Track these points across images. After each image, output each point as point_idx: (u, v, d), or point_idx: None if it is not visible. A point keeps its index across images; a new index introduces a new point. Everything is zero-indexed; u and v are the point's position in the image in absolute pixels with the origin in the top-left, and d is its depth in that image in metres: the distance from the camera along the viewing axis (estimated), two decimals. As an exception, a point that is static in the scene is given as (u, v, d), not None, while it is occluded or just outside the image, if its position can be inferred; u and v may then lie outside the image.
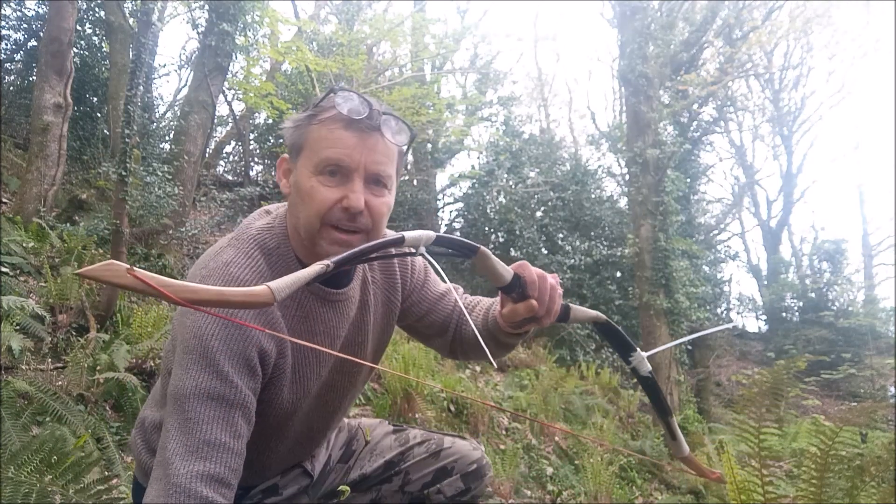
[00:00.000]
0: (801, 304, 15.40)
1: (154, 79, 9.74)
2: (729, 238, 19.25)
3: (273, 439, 1.15)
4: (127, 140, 4.09)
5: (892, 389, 11.07)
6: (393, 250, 0.89)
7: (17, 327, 3.15)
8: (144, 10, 4.60)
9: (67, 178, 6.44)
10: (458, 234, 11.81)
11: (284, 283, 0.72)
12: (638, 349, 1.07)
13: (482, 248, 0.92)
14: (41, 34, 7.10)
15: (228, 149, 11.46)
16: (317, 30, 9.23)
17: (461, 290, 1.31)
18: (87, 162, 7.22)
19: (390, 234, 0.95)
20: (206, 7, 7.52)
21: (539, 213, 11.11)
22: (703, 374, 9.46)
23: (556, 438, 5.18)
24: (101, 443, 2.70)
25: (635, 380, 1.18)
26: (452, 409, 4.58)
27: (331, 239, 0.99)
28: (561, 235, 10.81)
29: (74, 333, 3.58)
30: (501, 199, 10.75)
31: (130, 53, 6.79)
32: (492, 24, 31.06)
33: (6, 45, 7.96)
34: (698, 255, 10.56)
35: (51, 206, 5.44)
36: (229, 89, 9.36)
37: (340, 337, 1.11)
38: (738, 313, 18.63)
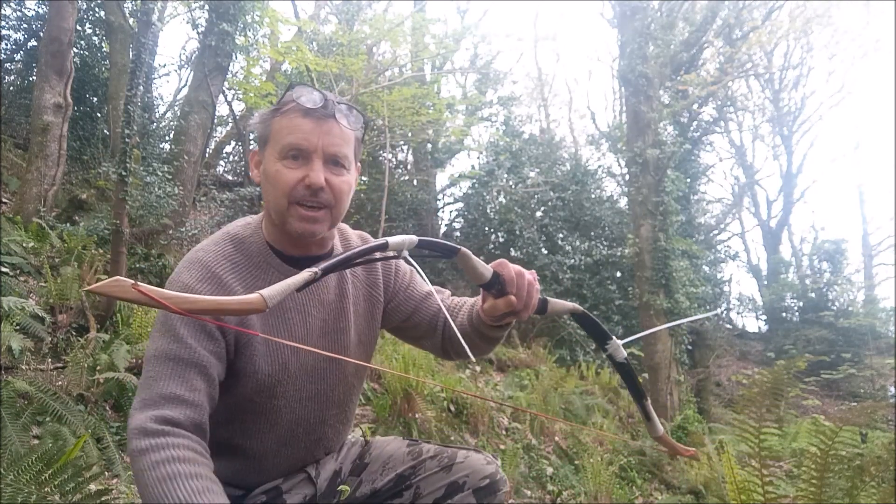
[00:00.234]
0: (801, 304, 15.40)
1: (154, 79, 9.75)
2: (729, 238, 19.26)
3: (263, 421, 1.16)
4: (127, 140, 4.09)
5: (892, 389, 11.08)
6: (378, 255, 0.95)
7: (17, 327, 3.15)
8: (144, 10, 4.60)
9: (67, 178, 6.45)
10: (458, 234, 11.82)
11: (276, 290, 0.77)
12: (614, 337, 1.13)
13: (463, 249, 0.99)
14: (41, 34, 7.10)
15: (228, 149, 11.48)
16: (317, 30, 9.23)
17: (447, 292, 1.35)
18: (87, 162, 7.22)
19: (373, 240, 1.02)
20: (206, 7, 7.52)
21: (539, 213, 11.11)
22: (703, 374, 9.46)
23: (556, 438, 5.18)
24: (101, 443, 2.71)
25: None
26: (452, 409, 4.58)
27: (298, 215, 1.10)
28: (561, 235, 10.81)
29: (74, 333, 3.58)
30: (501, 199, 10.75)
31: (130, 53, 6.80)
32: (492, 24, 31.07)
33: (6, 45, 7.96)
34: (698, 255, 10.56)
35: (51, 206, 5.45)
36: (229, 89, 9.36)
37: (314, 316, 1.18)
38: (738, 313, 18.65)
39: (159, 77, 10.68)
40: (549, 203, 10.84)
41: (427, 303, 1.32)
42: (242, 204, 7.62)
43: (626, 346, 1.16)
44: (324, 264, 0.84)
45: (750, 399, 2.05)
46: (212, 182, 8.85)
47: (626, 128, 8.85)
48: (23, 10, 7.96)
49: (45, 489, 1.58)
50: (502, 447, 4.48)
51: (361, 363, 1.23)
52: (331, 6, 11.69)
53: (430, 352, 1.37)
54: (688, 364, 8.30)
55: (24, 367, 3.05)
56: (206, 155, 8.62)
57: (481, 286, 1.06)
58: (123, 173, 3.91)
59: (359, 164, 1.25)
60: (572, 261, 9.80)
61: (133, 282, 0.68)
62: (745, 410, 2.07)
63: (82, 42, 7.84)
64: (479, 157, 11.99)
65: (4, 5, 7.52)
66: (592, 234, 10.90)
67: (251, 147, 10.52)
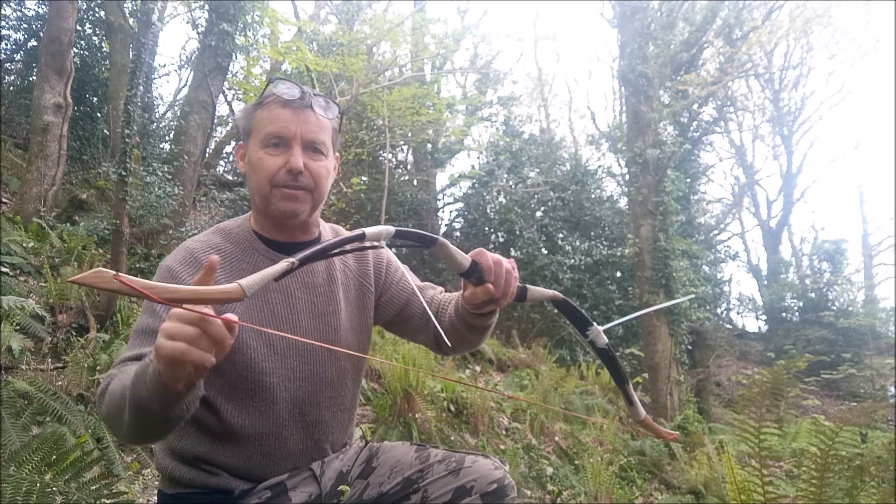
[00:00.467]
0: (801, 304, 15.40)
1: (154, 79, 9.75)
2: (729, 238, 19.28)
3: (258, 399, 1.18)
4: (127, 140, 4.09)
5: (892, 389, 11.07)
6: (356, 245, 0.98)
7: (17, 327, 3.15)
8: (144, 10, 4.60)
9: (67, 178, 6.45)
10: (458, 234, 11.81)
11: (253, 280, 0.79)
12: (594, 324, 1.16)
13: (440, 238, 1.03)
14: (41, 34, 7.10)
15: (228, 149, 11.47)
16: (317, 30, 9.23)
17: (440, 289, 1.40)
18: (87, 162, 7.22)
19: (349, 233, 1.07)
20: (206, 7, 7.52)
21: (539, 213, 11.10)
22: (703, 374, 9.46)
23: (556, 438, 5.18)
24: (101, 443, 2.71)
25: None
26: (452, 409, 4.58)
27: (280, 196, 1.18)
28: (561, 235, 10.81)
29: (74, 333, 3.58)
30: (501, 199, 10.75)
31: (130, 53, 6.80)
32: (492, 24, 31.07)
33: (6, 45, 7.96)
34: (698, 255, 10.56)
35: (51, 206, 5.45)
36: (229, 89, 9.38)
37: (298, 298, 1.24)
38: (738, 313, 18.66)
39: (159, 77, 10.70)
40: (549, 203, 10.84)
41: (418, 296, 1.35)
42: (242, 204, 7.62)
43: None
44: (300, 255, 0.86)
45: (750, 399, 2.06)
46: (212, 182, 8.85)
47: (626, 128, 8.84)
48: (23, 10, 7.97)
49: (46, 481, 1.59)
50: (502, 447, 4.48)
51: (345, 351, 1.25)
52: (331, 6, 11.69)
53: (426, 346, 1.40)
54: (688, 364, 8.29)
55: (24, 367, 3.05)
56: (206, 155, 8.62)
57: (461, 275, 1.09)
58: (123, 173, 3.91)
59: (337, 153, 1.32)
60: (572, 261, 9.80)
61: (114, 272, 0.71)
62: (745, 410, 2.07)
63: (82, 42, 7.84)
64: (479, 157, 11.99)
65: (4, 5, 7.52)
66: (592, 234, 10.90)
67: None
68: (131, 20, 7.52)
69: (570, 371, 7.28)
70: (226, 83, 8.02)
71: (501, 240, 10.80)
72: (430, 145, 11.40)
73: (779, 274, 17.19)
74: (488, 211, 10.80)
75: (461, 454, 1.30)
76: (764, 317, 16.94)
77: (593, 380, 7.25)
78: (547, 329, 9.01)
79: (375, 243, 0.97)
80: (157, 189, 5.91)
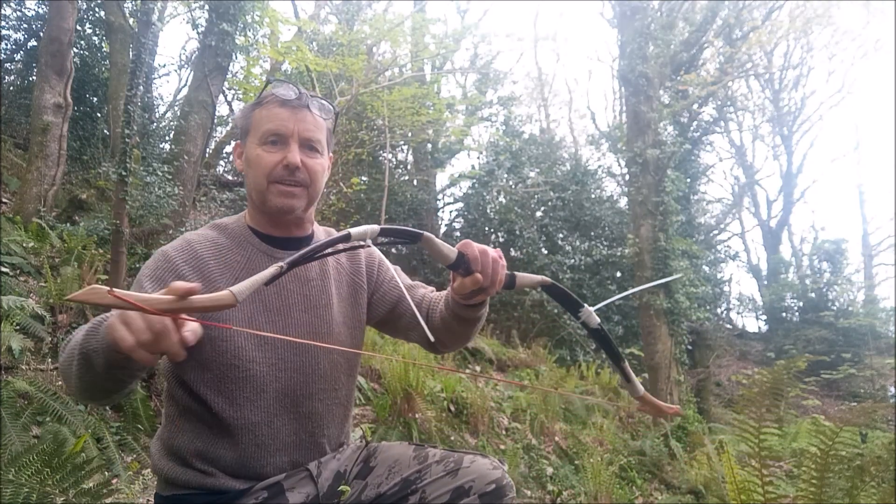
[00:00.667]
0: (801, 304, 15.41)
1: (154, 79, 9.74)
2: (729, 238, 19.30)
3: (249, 389, 1.19)
4: (127, 140, 4.09)
5: (892, 389, 11.08)
6: (343, 246, 1.01)
7: (17, 327, 3.15)
8: (144, 10, 4.60)
9: (67, 178, 6.44)
10: (458, 234, 11.81)
11: (244, 286, 0.82)
12: (585, 305, 1.17)
13: (426, 233, 1.05)
14: (41, 34, 7.10)
15: (228, 149, 11.46)
16: (317, 30, 9.23)
17: (431, 288, 1.43)
18: (87, 162, 7.21)
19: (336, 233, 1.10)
20: (206, 7, 7.52)
21: (539, 213, 11.11)
22: (703, 374, 9.46)
23: (556, 438, 5.18)
24: (101, 443, 2.71)
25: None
26: (452, 409, 4.58)
27: (277, 191, 1.22)
28: (561, 235, 10.81)
29: (74, 333, 3.57)
30: (501, 199, 10.75)
31: (130, 53, 6.79)
32: (492, 24, 31.05)
33: (6, 45, 7.96)
34: (698, 255, 10.56)
35: (51, 206, 5.44)
36: (229, 89, 9.38)
37: (291, 291, 1.27)
38: (738, 313, 18.67)
39: (159, 77, 10.69)
40: (549, 203, 10.84)
41: (410, 292, 1.39)
42: (242, 203, 7.62)
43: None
44: (289, 259, 0.88)
45: (750, 399, 2.06)
46: (212, 182, 8.84)
47: (626, 128, 8.85)
48: (23, 10, 7.96)
49: (46, 487, 1.59)
50: (502, 447, 4.48)
51: (334, 346, 1.27)
52: (331, 6, 11.69)
53: (419, 344, 1.42)
54: (688, 364, 8.30)
55: (24, 367, 3.05)
56: (206, 155, 8.62)
57: (448, 267, 1.11)
58: (123, 173, 3.91)
59: (331, 154, 1.36)
60: (572, 261, 9.80)
61: (108, 288, 0.73)
62: (745, 410, 2.07)
63: (82, 42, 7.84)
64: (479, 157, 11.99)
65: (4, 5, 7.52)
66: (592, 234, 10.90)
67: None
68: (131, 20, 7.52)
69: (569, 371, 7.28)
70: (226, 83, 8.02)
71: (501, 240, 10.80)
72: (430, 145, 11.40)
73: (779, 274, 17.19)
74: (488, 211, 10.80)
75: (459, 454, 1.30)
76: (764, 317, 16.95)
77: (593, 380, 7.25)
78: (547, 329, 9.01)
79: (362, 242, 0.98)
80: (157, 189, 5.91)
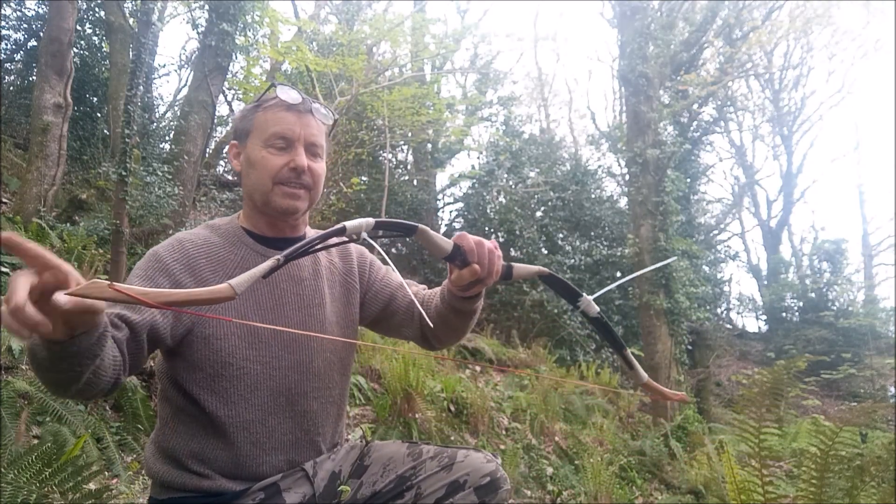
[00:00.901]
0: (801, 304, 15.40)
1: (154, 79, 9.74)
2: (729, 238, 19.29)
3: (243, 387, 1.19)
4: (127, 140, 4.09)
5: (892, 389, 11.08)
6: (337, 240, 1.00)
7: (17, 327, 3.14)
8: (144, 10, 4.60)
9: (67, 178, 6.44)
10: (458, 234, 11.79)
11: (243, 279, 0.82)
12: (584, 294, 1.18)
13: (420, 226, 1.05)
14: (41, 34, 7.10)
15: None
16: (317, 30, 9.23)
17: (423, 286, 1.44)
18: (87, 162, 7.21)
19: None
20: (206, 7, 7.52)
21: (539, 213, 11.11)
22: (703, 374, 9.46)
23: (556, 438, 5.18)
24: (101, 443, 2.71)
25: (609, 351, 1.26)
26: (452, 409, 4.58)
27: (282, 193, 1.24)
28: (561, 235, 10.81)
29: (74, 333, 3.57)
30: (501, 199, 10.75)
31: (130, 53, 6.79)
32: (492, 24, 31.04)
33: (6, 45, 7.96)
34: (698, 255, 10.56)
35: (51, 206, 5.44)
36: (229, 89, 9.37)
37: (284, 290, 1.28)
38: (738, 313, 18.66)
39: (159, 77, 10.69)
40: (549, 203, 10.84)
41: (402, 291, 1.40)
42: (242, 204, 7.61)
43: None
44: (286, 252, 0.89)
45: (750, 399, 2.06)
46: (212, 182, 8.85)
47: (626, 128, 8.85)
48: (23, 10, 7.96)
49: (46, 488, 1.59)
50: (502, 447, 4.48)
51: (327, 337, 1.28)
52: (331, 6, 11.69)
53: (414, 341, 1.43)
54: (688, 364, 8.30)
55: (24, 367, 3.05)
56: (206, 155, 8.62)
57: (444, 259, 1.11)
58: (123, 173, 3.91)
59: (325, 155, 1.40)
60: (572, 261, 9.80)
61: (109, 282, 0.73)
62: (745, 410, 2.07)
63: (82, 42, 7.84)
64: (479, 157, 11.99)
65: (4, 5, 7.52)
66: (592, 234, 10.90)
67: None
68: (131, 20, 7.52)
69: (570, 371, 7.28)
70: (226, 83, 8.02)
71: (501, 240, 10.79)
72: (430, 145, 11.40)
73: (779, 274, 17.19)
74: (488, 211, 10.80)
75: (453, 449, 1.31)
76: (764, 317, 16.95)
77: (593, 380, 7.25)
78: (547, 329, 9.01)
79: (355, 236, 0.98)
80: (157, 189, 5.91)
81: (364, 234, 0.99)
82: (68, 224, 5.33)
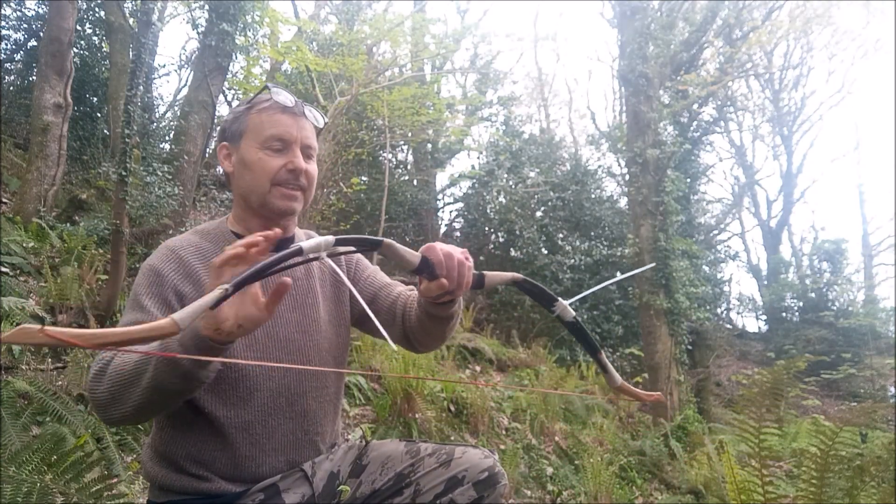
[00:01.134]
0: (801, 304, 15.40)
1: (154, 79, 9.74)
2: (729, 238, 19.28)
3: (242, 388, 1.19)
4: (127, 140, 4.09)
5: (892, 389, 11.08)
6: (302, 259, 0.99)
7: (17, 327, 3.14)
8: (144, 10, 4.60)
9: (67, 178, 6.44)
10: (458, 234, 11.81)
11: (187, 313, 0.79)
12: (560, 299, 1.17)
13: (386, 240, 1.03)
14: (41, 34, 7.10)
15: (228, 149, 11.44)
16: (317, 30, 9.22)
17: (411, 286, 1.43)
18: (87, 162, 7.21)
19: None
20: (206, 7, 7.52)
21: (539, 213, 11.10)
22: (703, 374, 9.45)
23: (556, 438, 5.18)
24: (101, 443, 2.71)
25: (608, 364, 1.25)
26: (452, 409, 4.58)
27: (280, 194, 1.25)
28: (561, 235, 10.80)
29: (74, 333, 3.57)
30: (501, 199, 10.75)
31: (130, 53, 6.79)
32: (492, 24, 31.04)
33: (6, 45, 7.96)
34: (698, 255, 10.55)
35: (51, 206, 5.44)
36: (229, 89, 9.38)
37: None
38: (738, 313, 18.66)
39: (159, 77, 10.69)
40: (549, 203, 10.84)
41: (385, 291, 1.40)
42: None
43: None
44: (235, 279, 0.86)
45: (750, 399, 2.06)
46: (212, 182, 8.85)
47: (626, 128, 8.84)
48: (23, 10, 7.96)
49: (46, 479, 1.59)
50: (502, 447, 4.48)
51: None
52: (331, 6, 11.69)
53: (396, 342, 1.42)
54: (688, 364, 8.29)
55: (24, 367, 3.05)
56: (206, 155, 8.62)
57: (413, 272, 1.09)
58: (123, 173, 3.91)
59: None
60: (572, 261, 9.80)
61: (40, 326, 0.70)
62: (745, 410, 2.07)
63: (82, 42, 7.84)
64: (479, 157, 11.98)
65: (4, 5, 7.52)
66: (592, 234, 10.90)
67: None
68: (131, 20, 7.52)
69: (569, 371, 7.27)
70: (226, 83, 8.02)
71: (501, 240, 10.80)
72: (430, 145, 11.40)
73: (779, 274, 17.18)
74: (488, 211, 10.80)
75: (451, 446, 1.32)
76: (764, 317, 16.95)
77: (593, 380, 7.24)
78: (547, 329, 9.01)
79: (315, 256, 0.95)
80: (157, 189, 5.91)
81: (323, 254, 0.96)
82: (68, 224, 5.33)
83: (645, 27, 8.22)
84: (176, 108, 10.03)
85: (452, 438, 4.18)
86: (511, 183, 10.80)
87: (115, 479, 2.54)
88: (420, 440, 1.39)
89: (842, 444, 1.91)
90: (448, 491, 1.24)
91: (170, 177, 6.19)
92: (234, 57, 7.84)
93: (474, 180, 10.69)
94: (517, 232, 10.09)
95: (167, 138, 8.50)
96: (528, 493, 4.12)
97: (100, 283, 4.22)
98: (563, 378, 6.74)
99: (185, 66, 11.28)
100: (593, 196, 11.47)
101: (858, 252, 19.68)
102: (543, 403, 5.51)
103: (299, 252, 0.92)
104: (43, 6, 7.78)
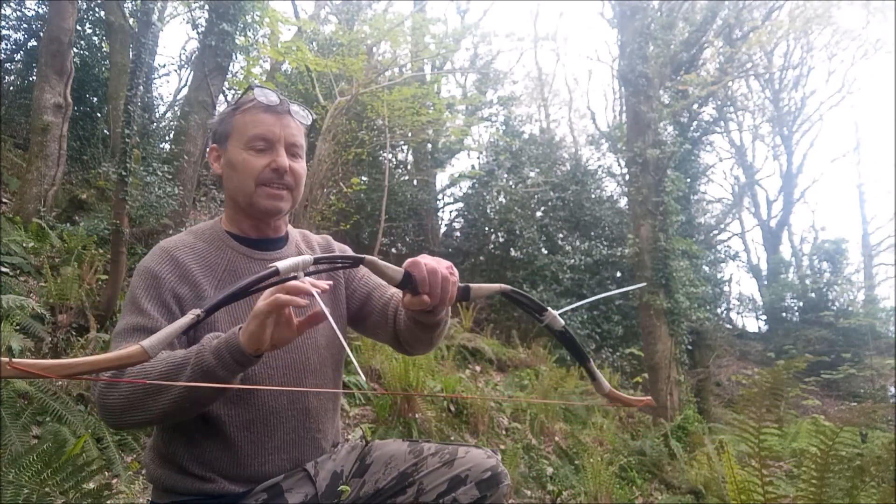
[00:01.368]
0: (801, 304, 15.40)
1: (154, 79, 9.74)
2: (729, 238, 19.26)
3: (242, 391, 1.19)
4: (127, 140, 4.08)
5: (892, 389, 11.07)
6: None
7: (17, 327, 3.15)
8: (144, 10, 4.60)
9: (67, 178, 6.44)
10: (458, 234, 11.81)
11: (157, 339, 0.80)
12: (549, 309, 1.17)
13: (368, 257, 1.04)
14: (41, 34, 7.10)
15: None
16: (317, 30, 9.23)
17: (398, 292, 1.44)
18: (87, 162, 7.21)
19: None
20: (206, 7, 7.52)
21: (539, 213, 11.10)
22: (703, 374, 9.46)
23: (556, 438, 5.18)
24: (101, 443, 2.71)
25: (602, 378, 1.28)
26: (452, 409, 4.58)
27: (265, 194, 1.25)
28: (561, 235, 10.80)
29: (74, 333, 3.58)
30: (501, 199, 10.74)
31: (130, 53, 6.79)
32: (492, 24, 31.03)
33: (6, 45, 7.96)
34: (698, 255, 10.55)
35: (51, 206, 5.44)
36: (229, 89, 9.35)
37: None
38: (738, 313, 18.66)
39: (159, 77, 10.67)
40: (549, 203, 10.84)
41: (379, 292, 1.41)
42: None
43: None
44: (208, 304, 0.88)
45: (750, 399, 2.06)
46: (212, 182, 8.84)
47: (626, 128, 8.84)
48: (23, 10, 7.96)
49: (46, 488, 1.59)
50: (502, 447, 4.48)
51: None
52: (331, 6, 11.69)
53: (388, 344, 1.44)
54: (688, 364, 8.29)
55: (24, 367, 3.04)
56: (206, 155, 8.62)
57: (396, 286, 1.10)
58: (123, 173, 3.91)
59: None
60: (572, 261, 9.80)
61: (8, 360, 0.70)
62: (745, 410, 2.07)
63: (82, 42, 7.83)
64: (479, 157, 11.99)
65: (4, 5, 7.52)
66: (592, 234, 10.90)
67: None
68: (131, 20, 7.51)
69: (569, 371, 7.27)
70: (226, 83, 8.01)
71: (501, 240, 10.80)
72: (430, 145, 11.39)
73: (779, 274, 17.18)
74: (488, 211, 10.80)
75: (454, 446, 1.32)
76: (764, 317, 16.95)
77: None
78: (547, 329, 9.00)
79: (292, 274, 0.95)
80: (157, 189, 5.90)
81: (301, 274, 0.96)
82: (68, 224, 5.33)
83: (645, 27, 8.22)
84: (176, 108, 10.02)
85: (452, 438, 4.18)
86: (511, 183, 10.80)
87: (116, 480, 2.54)
88: (423, 440, 1.39)
89: (842, 444, 1.91)
90: (451, 490, 1.24)
91: (170, 177, 6.19)
92: (234, 57, 7.83)
93: (474, 180, 10.69)
94: (517, 232, 10.09)
95: (167, 138, 8.49)
96: (528, 493, 4.12)
97: (100, 283, 4.22)
98: (563, 378, 6.74)
99: (185, 66, 11.27)
100: (593, 196, 11.47)
101: (858, 252, 19.67)
102: (543, 403, 5.51)
103: (275, 272, 0.93)
104: (43, 6, 7.78)
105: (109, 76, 7.43)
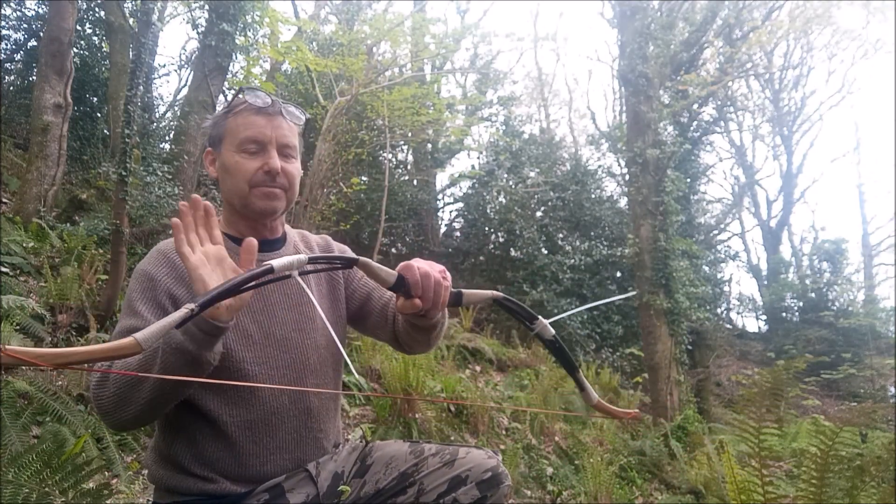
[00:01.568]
0: (801, 304, 15.40)
1: (154, 79, 9.75)
2: (729, 238, 19.26)
3: (244, 389, 1.20)
4: (127, 140, 4.09)
5: (892, 389, 11.07)
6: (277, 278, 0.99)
7: (17, 327, 3.15)
8: (144, 10, 4.60)
9: (67, 178, 6.44)
10: (458, 234, 11.81)
11: (150, 332, 0.80)
12: (539, 317, 1.17)
13: (362, 258, 1.04)
14: (41, 34, 7.10)
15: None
16: (317, 30, 9.23)
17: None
18: (87, 162, 7.21)
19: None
20: (206, 7, 7.52)
21: (539, 213, 11.10)
22: (703, 374, 9.45)
23: (556, 438, 5.18)
24: (101, 443, 2.71)
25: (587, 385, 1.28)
26: (452, 409, 4.58)
27: (260, 194, 1.25)
28: (561, 235, 10.80)
29: (74, 333, 3.58)
30: (501, 199, 10.75)
31: (130, 53, 6.79)
32: (492, 24, 31.02)
33: (6, 45, 7.96)
34: (698, 255, 10.55)
35: (51, 206, 5.44)
36: (229, 89, 9.35)
37: (272, 290, 1.28)
38: (738, 313, 18.66)
39: (159, 77, 10.69)
40: (549, 203, 10.84)
41: (379, 292, 1.41)
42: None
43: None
44: (201, 300, 0.88)
45: (750, 399, 2.06)
46: (212, 182, 8.83)
47: (626, 128, 8.84)
48: (23, 10, 7.96)
49: (45, 487, 1.59)
50: (502, 447, 4.48)
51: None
52: (331, 6, 11.69)
53: (388, 344, 1.44)
54: (688, 364, 8.29)
55: (24, 368, 3.05)
56: (206, 155, 8.60)
57: (389, 289, 1.10)
58: (123, 173, 3.91)
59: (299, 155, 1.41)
60: (572, 261, 9.80)
61: (3, 346, 0.71)
62: (745, 410, 2.07)
63: (82, 42, 7.84)
64: (479, 157, 11.99)
65: (4, 5, 7.52)
66: (592, 234, 10.90)
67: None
68: (131, 20, 7.51)
69: (570, 371, 7.26)
70: (226, 83, 8.01)
71: (501, 240, 10.80)
72: (430, 145, 11.39)
73: (779, 274, 17.18)
74: (488, 211, 10.80)
75: (454, 446, 1.32)
76: (764, 317, 16.94)
77: (593, 380, 7.24)
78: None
79: (288, 274, 0.96)
80: (157, 189, 5.91)
81: (295, 273, 0.96)
82: (68, 224, 5.33)
83: (645, 27, 8.22)
84: (176, 108, 10.02)
85: (452, 438, 4.18)
86: (511, 183, 10.80)
87: (116, 480, 2.54)
88: (424, 441, 1.40)
89: (842, 444, 1.91)
90: (451, 490, 1.24)
91: (170, 177, 6.19)
92: (234, 57, 7.84)
93: (474, 180, 10.69)
94: (517, 232, 10.09)
95: (167, 138, 8.50)
96: (528, 493, 4.12)
97: (100, 283, 4.23)
98: (562, 378, 6.73)
99: (185, 66, 11.28)
100: (593, 196, 11.47)
101: (858, 252, 19.66)
102: (543, 404, 5.51)
103: (270, 270, 0.93)
104: (43, 6, 7.78)
105: (109, 76, 7.43)
